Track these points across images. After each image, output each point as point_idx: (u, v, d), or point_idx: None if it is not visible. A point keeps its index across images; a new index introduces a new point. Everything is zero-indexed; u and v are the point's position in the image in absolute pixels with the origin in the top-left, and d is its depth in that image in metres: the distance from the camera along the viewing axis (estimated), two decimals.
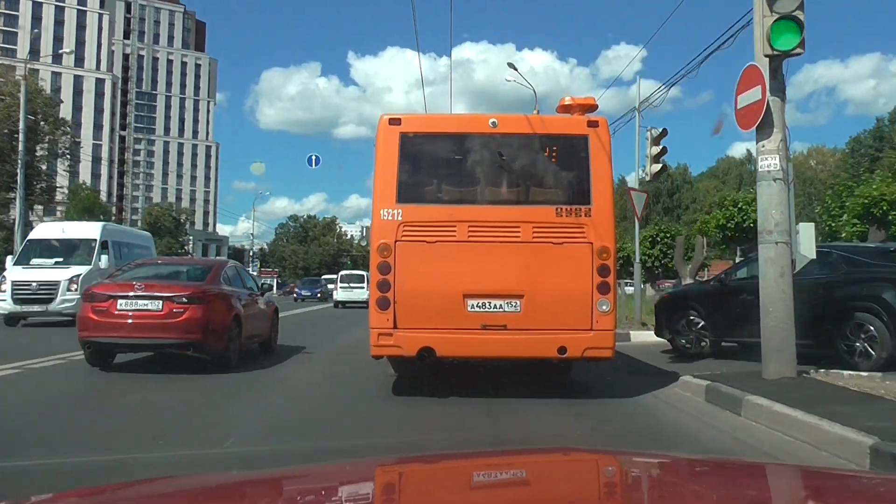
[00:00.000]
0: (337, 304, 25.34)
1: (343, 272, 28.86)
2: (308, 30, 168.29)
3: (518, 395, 5.33)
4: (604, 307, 5.07)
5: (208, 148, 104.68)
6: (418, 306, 5.14)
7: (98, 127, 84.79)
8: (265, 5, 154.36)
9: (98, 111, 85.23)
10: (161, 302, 6.48)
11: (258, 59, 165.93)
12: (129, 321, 6.41)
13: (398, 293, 5.15)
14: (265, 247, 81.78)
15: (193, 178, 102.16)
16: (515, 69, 18.86)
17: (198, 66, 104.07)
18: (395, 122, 5.40)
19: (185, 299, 6.52)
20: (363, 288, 22.76)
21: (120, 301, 6.49)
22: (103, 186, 77.60)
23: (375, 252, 5.26)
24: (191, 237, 74.59)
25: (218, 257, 56.68)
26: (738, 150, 78.74)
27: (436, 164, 5.62)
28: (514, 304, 5.12)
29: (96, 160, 74.03)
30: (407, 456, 2.90)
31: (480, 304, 5.13)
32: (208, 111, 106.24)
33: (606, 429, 4.50)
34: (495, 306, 5.13)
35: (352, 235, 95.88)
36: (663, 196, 65.25)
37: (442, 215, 5.25)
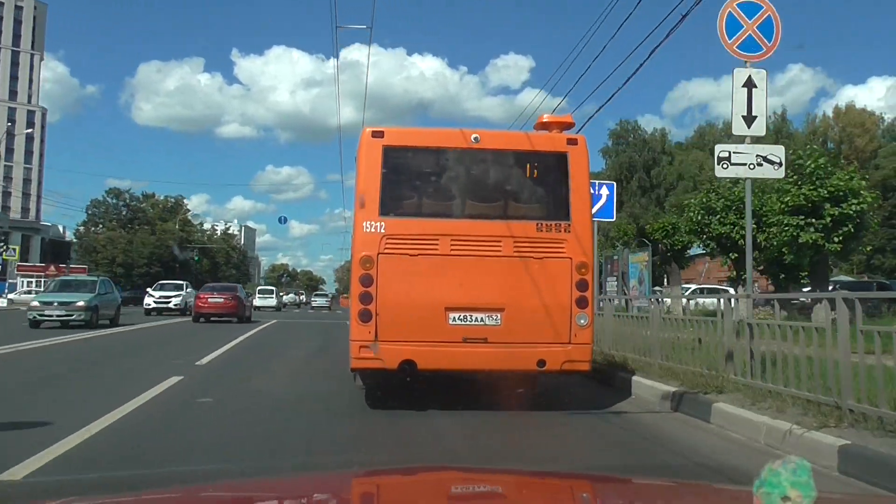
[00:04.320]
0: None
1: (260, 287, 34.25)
2: (190, 24, 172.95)
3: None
4: (582, 321, 5.98)
5: (30, 114, 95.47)
6: (400, 319, 5.78)
7: None
8: None
9: None
10: None
11: (134, 50, 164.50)
12: None
13: (380, 305, 5.77)
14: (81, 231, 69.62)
15: (10, 150, 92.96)
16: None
17: (18, 10, 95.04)
18: (377, 134, 6.04)
19: None
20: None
21: None
22: None
23: (357, 264, 5.86)
24: None
25: None
26: (719, 109, 79.42)
27: (418, 177, 6.29)
28: (494, 318, 5.90)
29: None
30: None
31: (462, 317, 5.86)
32: (31, 67, 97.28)
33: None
34: (476, 319, 5.88)
35: (215, 228, 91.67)
36: (638, 171, 57.31)
37: (424, 229, 5.94)
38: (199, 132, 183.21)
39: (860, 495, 3.37)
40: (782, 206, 17.34)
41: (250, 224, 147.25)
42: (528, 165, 6.29)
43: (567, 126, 6.48)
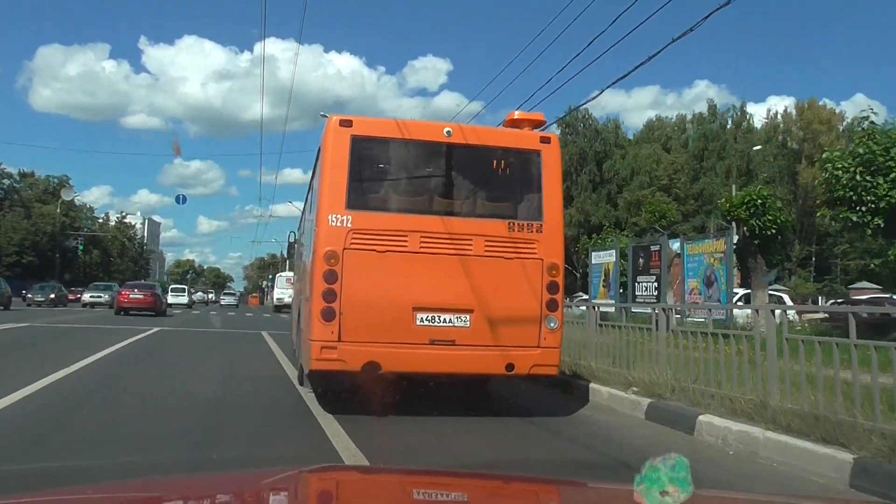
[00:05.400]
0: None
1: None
2: (95, 8, 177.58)
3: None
4: (552, 324, 6.52)
5: None
6: (365, 318, 6.13)
7: None
8: None
9: None
10: None
11: (33, 32, 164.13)
12: None
13: (345, 304, 6.12)
14: None
15: None
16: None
17: None
18: (346, 123, 6.38)
19: None
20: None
21: None
22: None
23: (322, 259, 6.16)
24: None
25: None
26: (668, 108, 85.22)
27: (388, 170, 6.68)
28: (463, 319, 6.35)
29: None
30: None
31: (430, 318, 6.28)
32: None
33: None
34: (444, 320, 6.31)
35: (108, 216, 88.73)
36: (589, 163, 58.72)
37: (393, 224, 6.31)
38: (102, 120, 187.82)
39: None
40: None
41: (156, 218, 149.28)
42: (501, 162, 6.79)
43: (538, 124, 7.05)
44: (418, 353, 6.23)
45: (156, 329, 18.45)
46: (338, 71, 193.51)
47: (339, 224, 6.19)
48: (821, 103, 59.45)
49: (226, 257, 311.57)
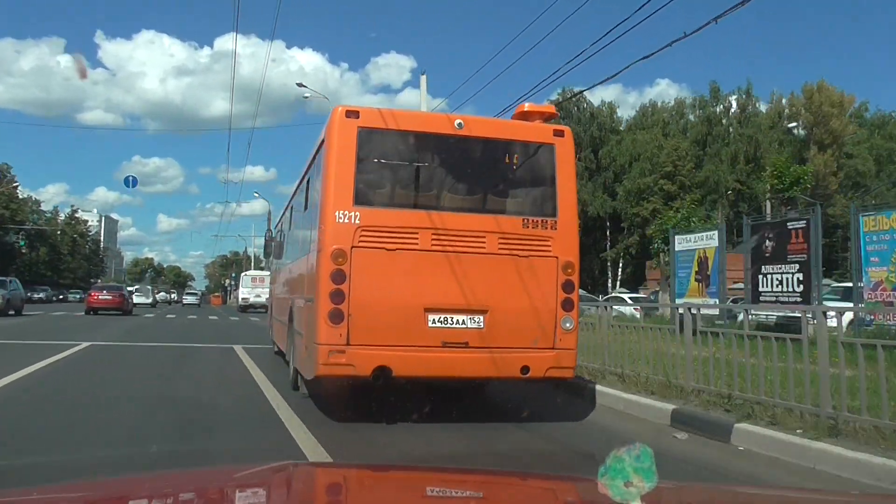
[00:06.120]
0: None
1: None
2: (50, 1, 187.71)
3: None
4: (567, 324, 6.77)
5: None
6: (375, 320, 6.30)
7: None
8: None
9: None
10: None
11: None
12: None
13: (353, 305, 6.28)
14: None
15: None
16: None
17: None
18: (352, 114, 6.56)
19: None
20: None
21: None
22: None
23: (328, 258, 6.31)
24: None
25: None
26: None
27: (397, 164, 6.84)
28: (477, 320, 6.56)
29: None
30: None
31: (442, 320, 6.48)
32: None
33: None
34: (458, 322, 6.51)
35: (58, 211, 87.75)
36: (584, 149, 58.10)
37: (403, 220, 6.49)
38: (57, 116, 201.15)
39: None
40: None
41: (113, 215, 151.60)
42: (514, 156, 7.03)
43: (550, 116, 7.29)
44: (430, 356, 6.41)
45: (85, 345, 14.16)
46: (300, 67, 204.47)
47: (346, 221, 6.35)
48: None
49: (186, 256, 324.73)
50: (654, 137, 57.84)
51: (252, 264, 68.76)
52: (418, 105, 21.07)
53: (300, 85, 29.61)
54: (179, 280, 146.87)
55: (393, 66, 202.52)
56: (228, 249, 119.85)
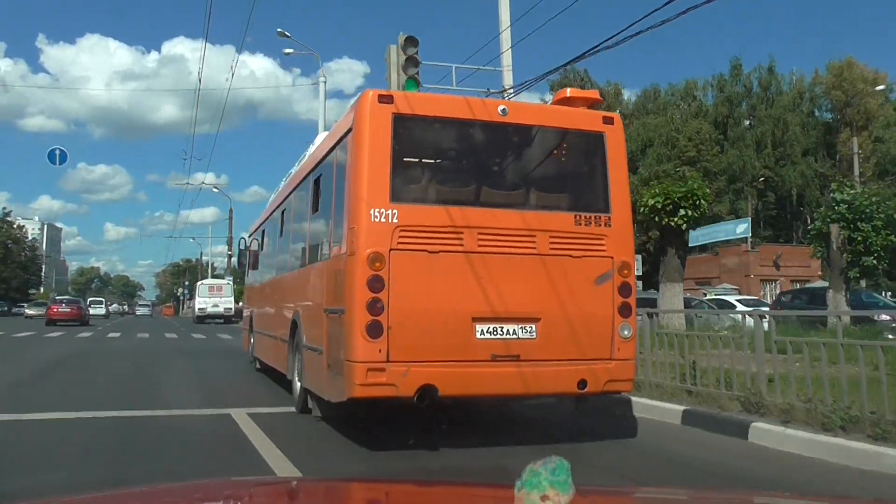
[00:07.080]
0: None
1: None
2: None
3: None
4: (626, 332, 6.71)
5: None
6: (418, 333, 6.11)
7: None
8: None
9: None
10: None
11: None
12: None
13: (394, 316, 6.06)
14: None
15: None
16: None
17: None
18: (386, 99, 6.38)
19: None
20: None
21: None
22: None
23: (364, 263, 6.07)
24: None
25: None
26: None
27: (436, 155, 6.79)
28: (529, 330, 6.43)
29: None
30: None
31: (491, 330, 6.32)
32: None
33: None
34: (508, 332, 6.37)
35: None
36: None
37: (447, 219, 6.30)
38: None
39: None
40: None
41: (57, 224, 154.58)
42: (562, 145, 7.02)
43: (595, 103, 7.24)
44: (479, 371, 6.31)
45: None
46: (251, 72, 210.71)
47: (383, 220, 6.14)
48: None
49: (135, 265, 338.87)
50: (668, 121, 57.62)
51: (209, 272, 68.65)
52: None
53: (282, 35, 28.40)
54: (127, 290, 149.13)
55: (346, 71, 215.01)
56: (181, 257, 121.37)
